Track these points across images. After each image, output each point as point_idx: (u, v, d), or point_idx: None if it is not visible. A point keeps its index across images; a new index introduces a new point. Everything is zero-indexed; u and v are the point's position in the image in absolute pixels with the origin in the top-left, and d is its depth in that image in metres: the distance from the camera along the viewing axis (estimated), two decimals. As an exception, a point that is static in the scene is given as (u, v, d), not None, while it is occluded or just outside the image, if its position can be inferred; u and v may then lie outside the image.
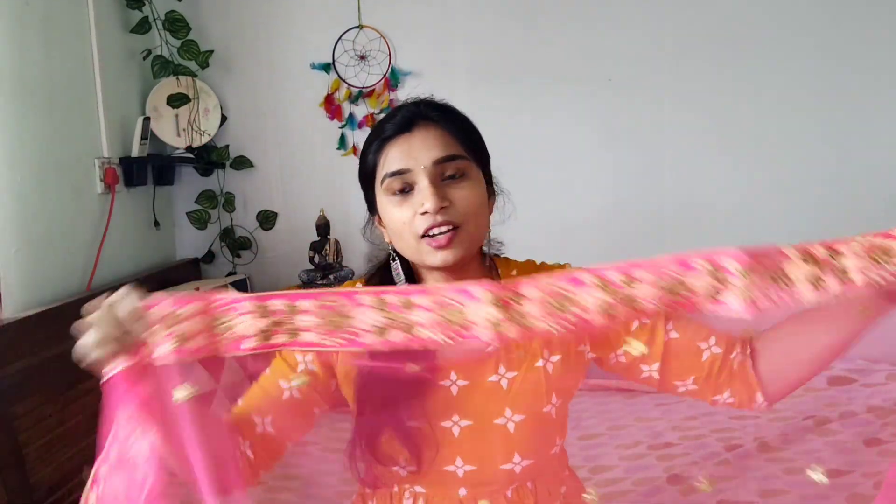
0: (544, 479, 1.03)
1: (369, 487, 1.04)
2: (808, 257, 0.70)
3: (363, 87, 2.75)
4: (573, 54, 2.69)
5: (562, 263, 1.06)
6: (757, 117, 2.64)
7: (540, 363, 0.97)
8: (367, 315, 0.69)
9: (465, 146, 0.97)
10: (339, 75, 2.75)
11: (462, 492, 0.99)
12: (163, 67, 2.59)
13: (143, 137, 2.44)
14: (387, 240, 1.02)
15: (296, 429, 0.98)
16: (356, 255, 2.64)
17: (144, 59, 2.60)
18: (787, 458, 1.88)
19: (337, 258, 2.63)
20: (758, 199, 2.64)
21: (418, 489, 1.01)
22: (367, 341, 0.69)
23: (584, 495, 1.02)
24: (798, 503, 1.67)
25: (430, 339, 0.68)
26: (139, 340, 0.73)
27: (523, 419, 0.96)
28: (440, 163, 0.93)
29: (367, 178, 1.00)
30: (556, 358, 0.98)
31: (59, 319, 1.91)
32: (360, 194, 1.04)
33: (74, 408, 1.92)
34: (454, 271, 0.97)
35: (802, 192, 2.63)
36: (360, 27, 2.73)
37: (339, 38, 2.74)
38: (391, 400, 0.97)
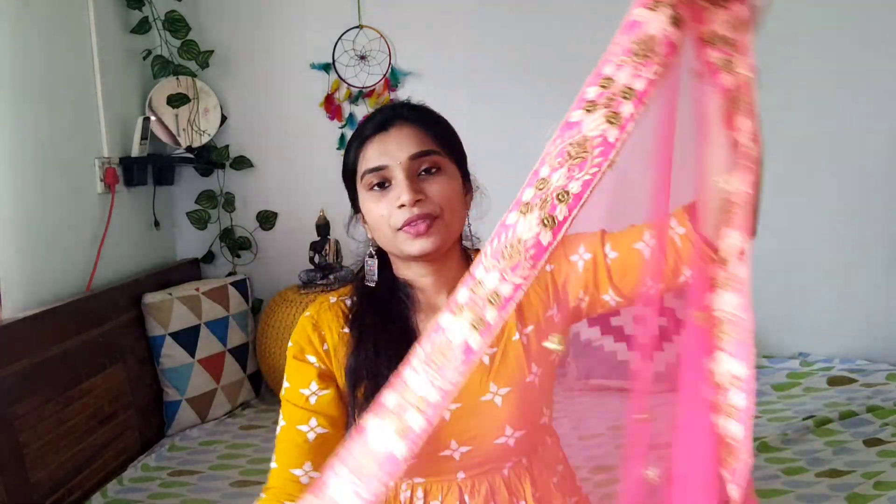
0: (539, 457, 1.05)
1: None
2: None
3: (363, 87, 2.75)
4: (573, 54, 2.67)
5: None
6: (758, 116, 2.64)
7: (516, 336, 1.01)
8: None
9: (439, 142, 1.01)
10: (339, 75, 2.75)
11: (461, 475, 1.01)
12: (163, 67, 2.59)
13: (143, 137, 2.44)
14: (369, 236, 1.06)
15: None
16: (356, 255, 2.64)
17: (144, 59, 2.60)
18: (787, 458, 1.89)
19: (337, 258, 2.63)
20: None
21: (416, 479, 1.03)
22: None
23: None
24: (798, 503, 1.67)
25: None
26: None
27: (509, 391, 0.99)
28: (415, 158, 0.98)
29: (349, 175, 1.05)
30: (529, 329, 1.01)
31: (59, 319, 1.93)
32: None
33: (74, 408, 1.92)
34: (433, 262, 1.01)
35: (803, 192, 2.63)
36: (360, 27, 2.73)
37: (339, 38, 2.74)
38: (381, 385, 0.97)
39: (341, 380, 1.02)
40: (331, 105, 2.76)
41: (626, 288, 0.98)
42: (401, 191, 0.96)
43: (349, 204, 1.11)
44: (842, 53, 2.57)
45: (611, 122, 0.70)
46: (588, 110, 0.72)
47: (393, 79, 2.73)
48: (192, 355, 2.35)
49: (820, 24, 2.57)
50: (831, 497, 1.67)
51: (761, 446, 1.94)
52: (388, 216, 0.97)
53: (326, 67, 2.75)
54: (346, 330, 1.03)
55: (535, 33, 2.69)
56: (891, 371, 2.43)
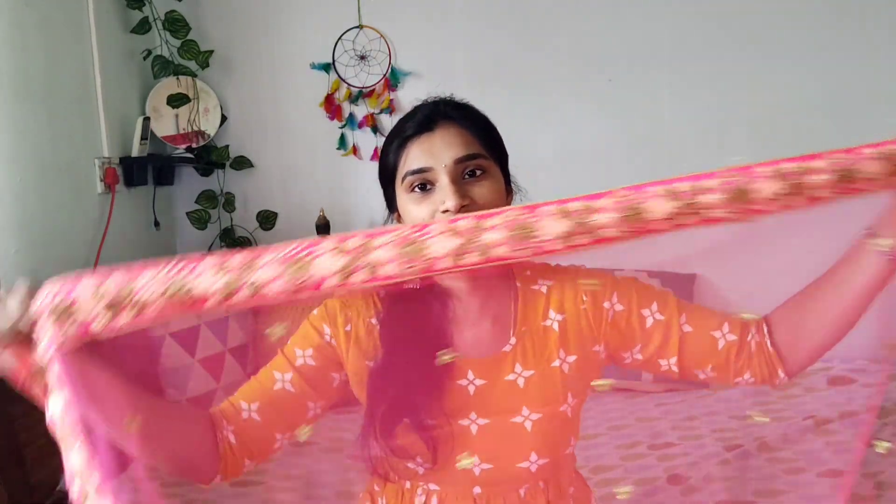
0: (556, 480, 1.03)
1: (380, 478, 1.04)
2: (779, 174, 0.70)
3: (363, 88, 2.75)
4: (573, 54, 2.69)
5: (576, 265, 1.06)
6: (757, 117, 2.64)
7: (556, 363, 0.99)
8: (439, 242, 0.67)
9: (485, 145, 0.98)
10: (339, 75, 2.75)
11: (476, 490, 1.00)
12: (163, 67, 2.59)
13: (143, 137, 2.44)
14: None
15: (285, 421, 0.99)
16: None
17: (144, 59, 2.60)
18: (787, 458, 1.88)
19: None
20: (758, 199, 2.65)
21: (432, 486, 1.02)
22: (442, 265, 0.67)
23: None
24: (798, 503, 1.67)
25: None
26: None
27: (540, 418, 0.97)
28: (461, 161, 0.94)
29: (388, 176, 1.01)
30: (572, 358, 0.99)
31: (59, 319, 1.92)
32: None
33: (74, 408, 1.92)
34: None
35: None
36: (360, 27, 2.73)
37: (339, 38, 2.74)
38: (408, 398, 0.98)
39: (351, 367, 1.00)
40: (331, 105, 2.76)
41: (689, 366, 1.00)
42: (445, 194, 0.92)
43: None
44: (842, 53, 2.57)
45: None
46: None
47: (393, 79, 2.73)
48: (192, 355, 2.35)
49: (821, 21, 2.57)
50: (831, 497, 1.67)
51: (761, 446, 1.94)
52: (429, 219, 0.93)
53: (326, 67, 2.75)
54: (375, 321, 1.01)
55: (536, 33, 2.69)
56: (891, 371, 2.43)
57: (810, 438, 1.99)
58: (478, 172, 0.95)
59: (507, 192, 1.03)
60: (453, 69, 2.72)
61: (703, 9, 2.62)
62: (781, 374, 0.98)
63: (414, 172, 0.95)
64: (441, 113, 0.98)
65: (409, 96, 2.69)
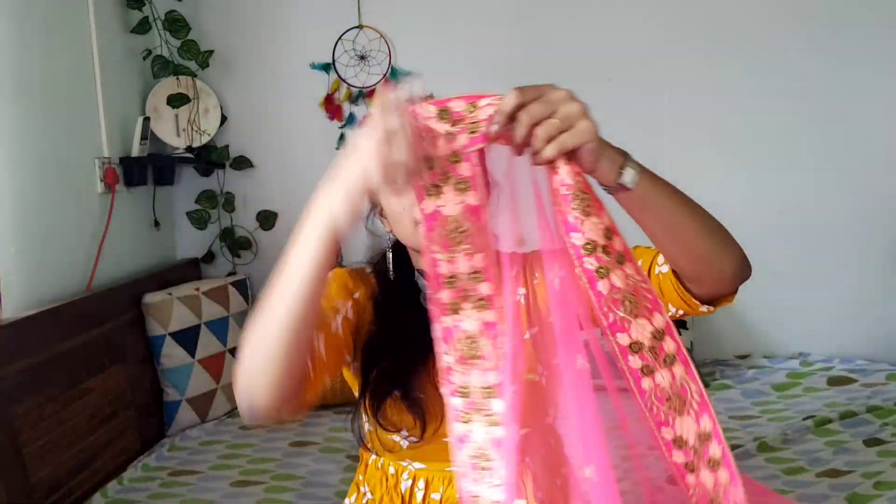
0: (542, 458, 1.05)
1: (368, 452, 1.08)
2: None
3: (363, 87, 2.75)
4: (573, 54, 2.68)
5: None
6: (758, 117, 2.64)
7: (527, 335, 1.00)
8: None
9: None
10: (339, 75, 2.75)
11: None
12: (163, 67, 2.59)
13: (143, 137, 2.44)
14: (388, 230, 1.06)
15: (333, 365, 0.97)
16: (356, 255, 2.64)
17: (144, 59, 2.60)
18: (787, 458, 1.89)
19: (336, 258, 2.63)
20: (758, 199, 2.64)
21: (417, 465, 1.02)
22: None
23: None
24: (798, 503, 1.67)
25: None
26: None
27: (516, 389, 0.99)
28: None
29: None
30: (534, 329, 1.01)
31: (59, 319, 1.92)
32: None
33: (74, 408, 1.92)
34: None
35: (803, 192, 2.64)
36: (360, 27, 2.73)
37: (339, 38, 2.74)
38: (398, 371, 1.01)
39: (349, 343, 1.02)
40: (331, 105, 2.76)
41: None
42: None
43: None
44: (841, 53, 2.57)
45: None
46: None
47: (393, 79, 2.73)
48: (193, 355, 2.35)
49: (822, 23, 2.57)
50: (831, 497, 1.67)
51: (761, 446, 1.94)
52: (409, 208, 0.96)
53: (326, 67, 2.75)
54: (369, 296, 1.05)
55: (536, 33, 2.69)
56: (891, 371, 2.43)
57: (810, 438, 2.00)
58: None
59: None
60: (453, 69, 2.72)
61: (703, 9, 2.62)
62: (698, 303, 0.92)
63: None
64: None
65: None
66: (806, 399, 2.32)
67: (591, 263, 0.77)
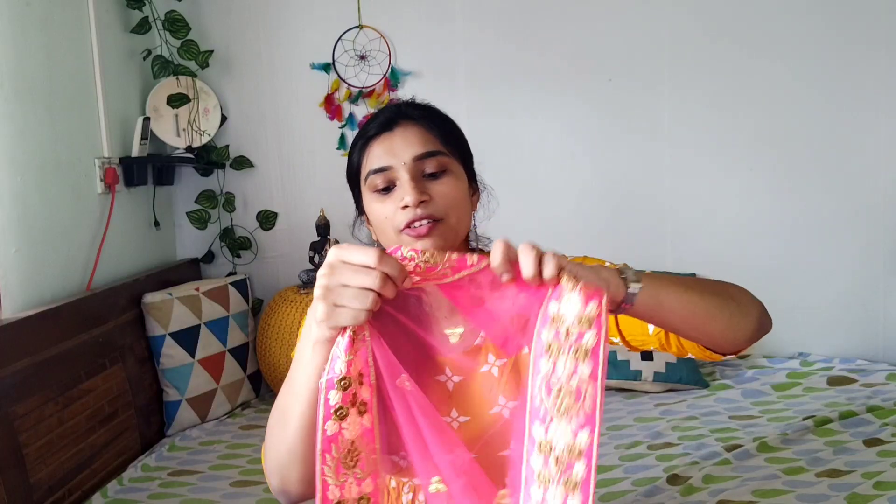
0: None
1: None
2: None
3: (363, 87, 2.75)
4: (573, 54, 2.68)
5: None
6: (758, 118, 2.64)
7: (525, 350, 1.01)
8: None
9: (445, 143, 1.00)
10: (339, 75, 2.75)
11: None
12: (163, 67, 2.59)
13: (143, 137, 2.44)
14: (374, 238, 1.06)
15: None
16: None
17: (144, 59, 2.60)
18: (787, 459, 1.88)
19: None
20: (757, 200, 2.64)
21: (416, 481, 1.02)
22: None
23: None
24: (798, 503, 1.67)
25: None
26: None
27: (516, 405, 0.98)
28: (420, 159, 0.96)
29: (353, 176, 1.04)
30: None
31: (59, 319, 1.92)
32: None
33: (74, 408, 1.92)
34: None
35: (803, 193, 2.63)
36: (360, 27, 2.73)
37: (339, 38, 2.74)
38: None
39: None
40: (331, 105, 2.76)
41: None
42: (405, 191, 0.95)
43: (350, 204, 1.11)
44: (841, 53, 2.57)
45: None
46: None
47: (393, 79, 2.73)
48: (192, 355, 2.35)
49: (822, 22, 2.57)
50: (831, 497, 1.67)
51: (761, 446, 1.94)
52: (392, 217, 0.96)
53: (326, 67, 2.75)
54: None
55: (536, 33, 2.69)
56: (891, 371, 2.43)
57: (810, 438, 2.00)
58: (438, 170, 0.97)
59: (473, 190, 1.05)
60: (453, 69, 2.72)
61: (704, 9, 2.62)
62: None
63: (375, 171, 0.97)
64: (402, 113, 1.01)
65: (409, 96, 2.68)
66: (806, 399, 2.32)
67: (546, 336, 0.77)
